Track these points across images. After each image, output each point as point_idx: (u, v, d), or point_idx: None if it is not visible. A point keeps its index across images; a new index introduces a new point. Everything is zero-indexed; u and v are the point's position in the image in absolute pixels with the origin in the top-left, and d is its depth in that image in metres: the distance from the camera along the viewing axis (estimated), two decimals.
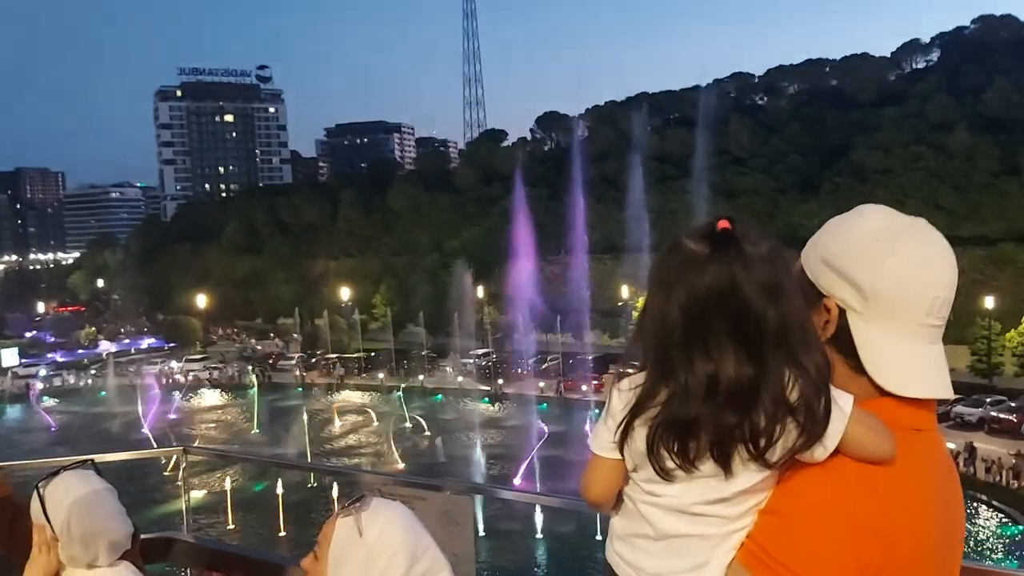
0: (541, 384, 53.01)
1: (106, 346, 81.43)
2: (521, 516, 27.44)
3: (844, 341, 1.30)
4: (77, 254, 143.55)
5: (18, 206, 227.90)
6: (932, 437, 1.33)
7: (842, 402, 1.21)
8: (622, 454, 1.25)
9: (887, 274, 1.26)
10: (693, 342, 1.17)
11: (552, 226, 60.69)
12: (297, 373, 65.13)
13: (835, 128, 68.23)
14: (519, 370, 55.80)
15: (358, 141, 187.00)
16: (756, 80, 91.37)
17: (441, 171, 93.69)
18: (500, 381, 55.53)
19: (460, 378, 58.64)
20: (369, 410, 51.82)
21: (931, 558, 1.27)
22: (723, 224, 1.19)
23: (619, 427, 1.23)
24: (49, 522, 2.20)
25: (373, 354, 66.04)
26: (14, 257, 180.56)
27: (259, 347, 76.67)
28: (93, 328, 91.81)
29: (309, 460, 37.49)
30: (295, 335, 76.39)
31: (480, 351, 61.40)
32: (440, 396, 56.11)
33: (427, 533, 1.70)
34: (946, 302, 1.30)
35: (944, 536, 1.30)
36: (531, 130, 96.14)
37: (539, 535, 27.50)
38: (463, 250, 67.65)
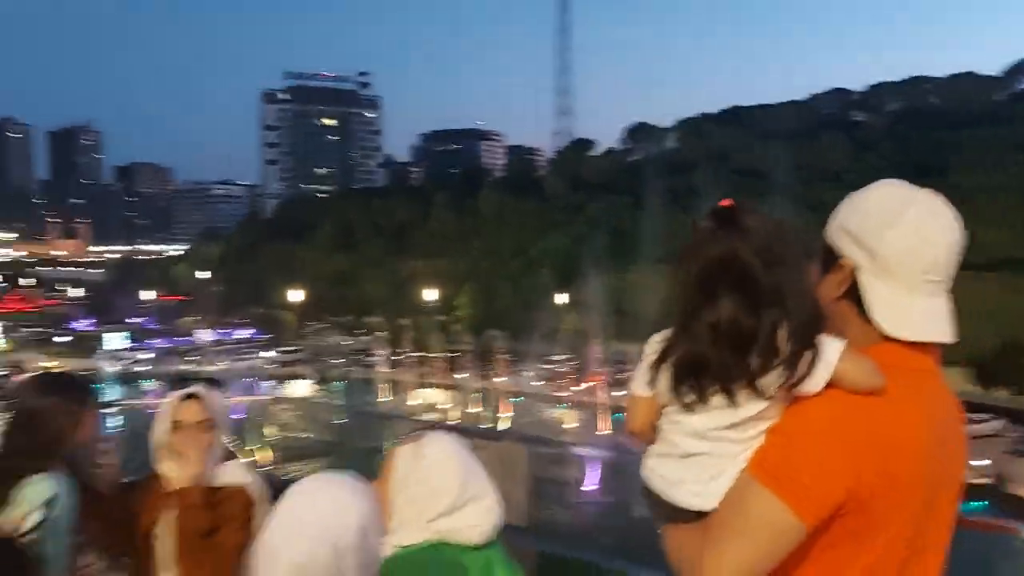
0: (617, 393, 53.44)
1: (205, 335, 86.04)
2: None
3: (855, 295, 1.56)
4: (182, 246, 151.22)
5: (129, 198, 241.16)
6: (934, 378, 1.57)
7: (831, 347, 1.45)
8: (654, 393, 1.56)
9: (890, 236, 1.51)
10: (703, 299, 1.45)
11: (636, 236, 61.15)
12: (382, 369, 67.39)
13: (933, 146, 66.38)
14: (596, 377, 56.41)
15: (450, 147, 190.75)
16: (855, 96, 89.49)
17: (529, 178, 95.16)
18: (578, 387, 56.25)
19: (538, 383, 59.66)
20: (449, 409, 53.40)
21: (927, 480, 1.47)
22: (725, 202, 1.48)
23: (650, 370, 1.55)
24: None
25: (455, 354, 67.73)
26: (125, 247, 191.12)
27: (347, 342, 79.51)
28: (194, 317, 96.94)
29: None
30: (382, 332, 78.92)
31: (559, 357, 62.25)
32: (518, 399, 57.28)
33: (479, 464, 2.03)
34: (945, 263, 1.54)
35: (941, 466, 1.50)
36: (620, 140, 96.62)
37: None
38: (547, 256, 68.75)
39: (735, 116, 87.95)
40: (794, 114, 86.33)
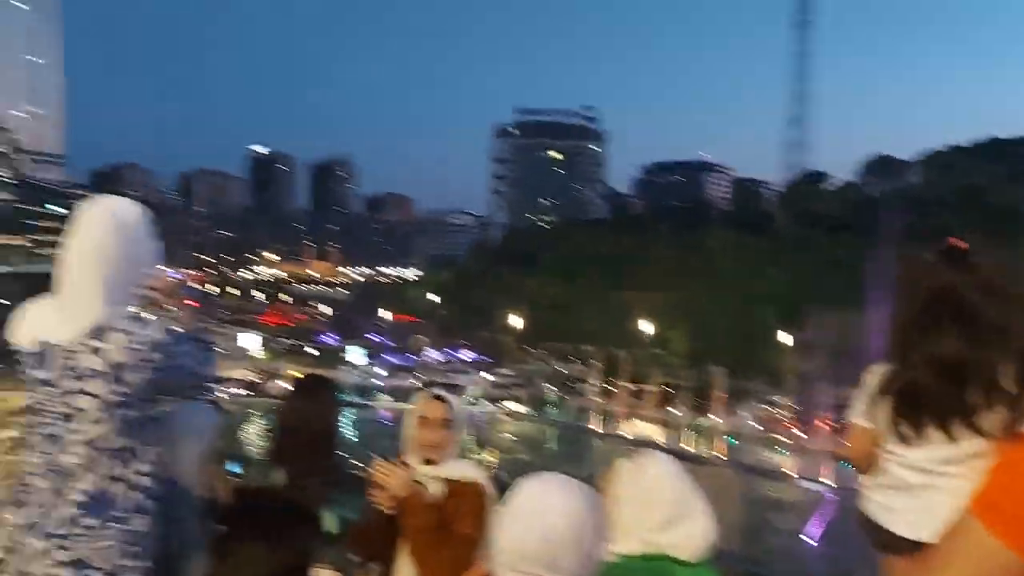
0: (843, 441, 50.15)
1: (432, 354, 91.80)
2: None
3: None
4: (418, 271, 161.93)
5: (376, 226, 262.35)
6: None
7: None
8: (873, 423, 1.61)
9: None
10: (923, 331, 1.46)
11: (871, 275, 57.25)
12: (595, 399, 68.07)
13: None
14: (818, 423, 53.36)
15: (674, 179, 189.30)
16: None
17: (756, 212, 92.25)
18: (796, 432, 53.52)
19: (756, 424, 57.46)
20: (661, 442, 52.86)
21: None
22: (954, 241, 1.51)
23: (869, 400, 1.60)
24: None
25: (670, 388, 66.92)
26: (368, 269, 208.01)
27: (563, 370, 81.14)
28: (424, 337, 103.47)
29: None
30: (596, 362, 79.67)
31: (779, 398, 59.61)
32: (733, 439, 55.47)
33: (694, 485, 2.17)
34: None
35: None
36: (857, 174, 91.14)
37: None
38: (772, 292, 66.23)
39: (992, 149, 79.88)
40: None
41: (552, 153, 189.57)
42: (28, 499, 2.18)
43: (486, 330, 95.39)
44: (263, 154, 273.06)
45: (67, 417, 2.19)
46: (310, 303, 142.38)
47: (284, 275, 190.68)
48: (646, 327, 75.49)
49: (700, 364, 69.95)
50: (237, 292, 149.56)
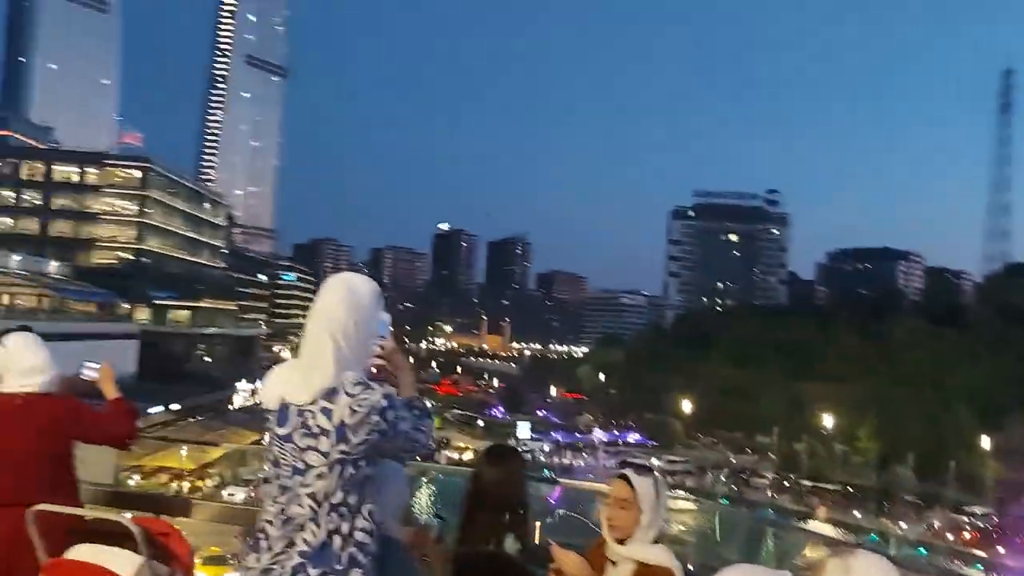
0: None
1: (598, 434, 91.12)
2: None
3: None
4: (587, 349, 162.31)
5: (547, 302, 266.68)
6: None
7: None
8: None
9: None
10: None
11: None
12: (769, 493, 64.69)
13: None
14: (1021, 540, 47.83)
15: (860, 267, 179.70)
16: None
17: (951, 304, 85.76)
18: (999, 547, 48.21)
19: (950, 536, 52.32)
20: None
21: None
22: None
23: None
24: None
25: (851, 489, 62.54)
26: (538, 345, 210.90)
27: (735, 460, 77.91)
28: (590, 416, 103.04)
29: None
30: (771, 454, 75.96)
31: (977, 509, 54.12)
32: (924, 551, 50.71)
33: None
34: None
35: None
36: None
37: None
38: (968, 391, 60.89)
39: None
40: None
41: (730, 236, 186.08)
42: (264, 546, 2.40)
43: (654, 413, 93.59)
44: (446, 231, 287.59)
45: (298, 471, 2.38)
46: (482, 375, 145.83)
47: (458, 347, 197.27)
48: (827, 421, 71.31)
49: (886, 464, 65.02)
50: (414, 362, 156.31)
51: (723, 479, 68.02)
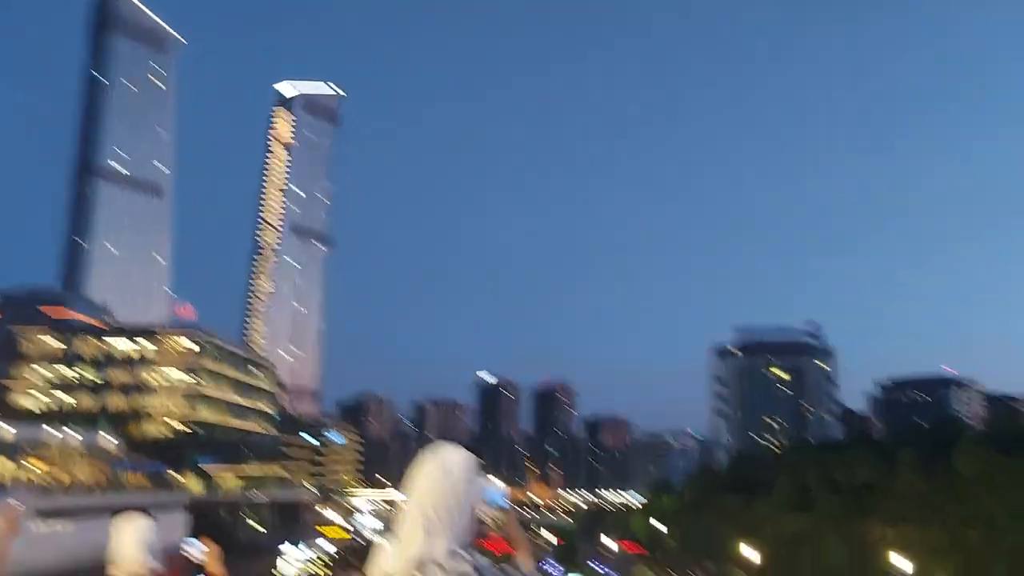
0: None
1: None
2: None
3: None
4: (636, 494, 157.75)
5: (594, 448, 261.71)
6: None
7: None
8: None
9: None
10: None
11: None
12: None
13: None
14: None
15: (915, 397, 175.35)
16: None
17: (1016, 430, 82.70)
18: None
19: None
20: None
21: None
22: None
23: None
24: None
25: None
26: (587, 493, 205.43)
27: None
28: (648, 568, 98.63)
29: None
30: None
31: None
32: None
33: None
34: None
35: None
36: None
37: None
38: None
39: None
40: None
41: (776, 371, 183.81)
42: None
43: (717, 561, 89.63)
44: (489, 382, 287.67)
45: None
46: (532, 529, 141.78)
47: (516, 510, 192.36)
48: (901, 564, 67.63)
49: None
50: None
51: None
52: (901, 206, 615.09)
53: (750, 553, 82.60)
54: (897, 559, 67.97)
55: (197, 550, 4.01)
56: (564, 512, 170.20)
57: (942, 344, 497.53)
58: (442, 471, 2.60)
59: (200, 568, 3.77)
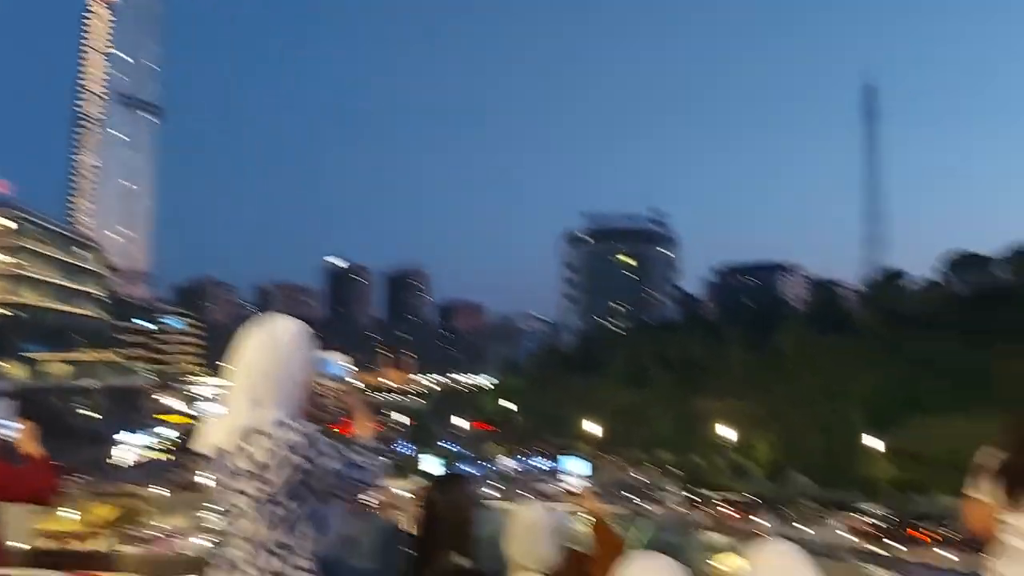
0: (949, 555, 47.01)
1: (507, 463, 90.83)
2: None
3: None
4: (492, 377, 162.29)
5: (446, 332, 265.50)
6: None
7: None
8: (988, 497, 1.91)
9: None
10: None
11: (964, 376, 54.89)
12: (672, 507, 65.80)
13: None
14: (919, 535, 50.22)
15: (747, 281, 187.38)
16: None
17: (834, 313, 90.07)
18: (900, 546, 50.37)
19: (851, 538, 54.38)
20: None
21: None
22: None
23: (984, 476, 1.90)
24: None
25: (752, 498, 64.30)
26: (441, 377, 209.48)
27: (637, 477, 79.09)
28: (498, 445, 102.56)
29: None
30: (673, 469, 77.46)
31: (873, 509, 56.55)
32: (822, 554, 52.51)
33: (813, 569, 2.32)
34: None
35: None
36: (937, 270, 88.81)
37: None
38: (858, 398, 63.80)
39: None
40: None
41: (623, 258, 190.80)
42: None
43: (559, 437, 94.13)
44: (338, 266, 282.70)
45: (229, 514, 2.44)
46: (384, 412, 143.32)
47: (358, 383, 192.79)
48: (726, 434, 73.35)
49: (785, 473, 67.29)
50: (323, 418, 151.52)
51: (631, 496, 68.87)
52: (740, 100, 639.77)
53: (591, 427, 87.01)
54: (723, 430, 73.61)
55: (11, 429, 3.68)
56: (417, 395, 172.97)
57: (774, 232, 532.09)
58: (271, 340, 2.55)
59: (15, 448, 3.54)
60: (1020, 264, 78.52)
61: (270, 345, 2.55)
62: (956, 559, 45.97)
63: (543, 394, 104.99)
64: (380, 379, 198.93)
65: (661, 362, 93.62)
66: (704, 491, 67.24)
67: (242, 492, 2.42)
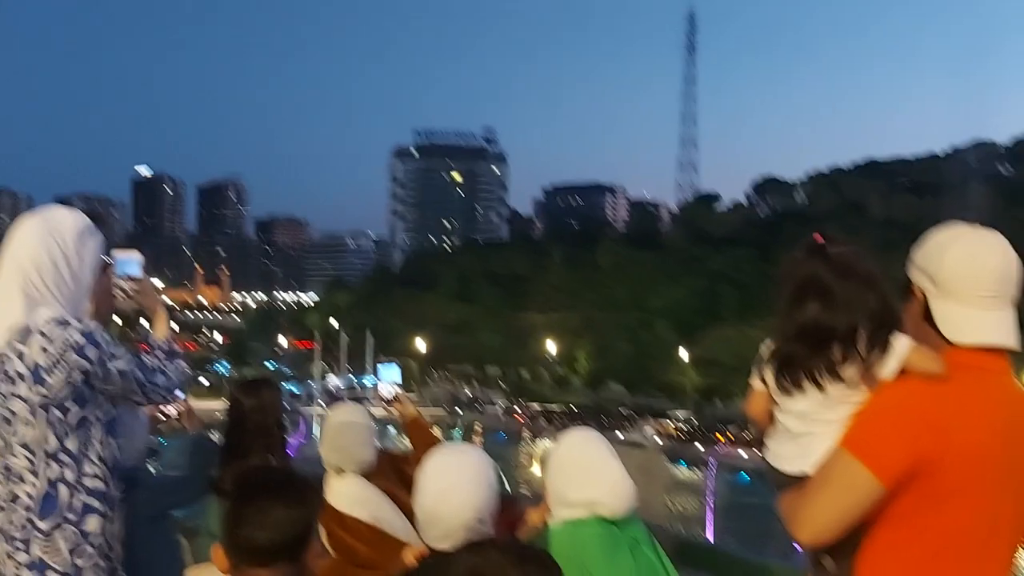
0: (743, 453, 51.43)
1: (334, 381, 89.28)
2: None
3: (928, 314, 1.91)
4: (316, 295, 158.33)
5: (269, 249, 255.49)
6: (1000, 377, 1.90)
7: (900, 342, 1.85)
8: (764, 384, 1.98)
9: (945, 263, 1.88)
10: (796, 308, 1.88)
11: (761, 288, 59.27)
12: (500, 418, 67.67)
13: None
14: (719, 435, 54.54)
15: (573, 201, 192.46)
16: (1001, 150, 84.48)
17: (651, 232, 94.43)
18: (699, 446, 54.50)
19: (658, 440, 58.27)
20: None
21: (998, 461, 1.81)
22: (816, 236, 1.93)
23: (762, 367, 1.98)
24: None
25: (573, 407, 67.18)
26: (262, 295, 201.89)
27: (467, 391, 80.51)
28: (324, 363, 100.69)
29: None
30: (500, 383, 79.42)
31: (680, 413, 60.80)
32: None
33: (612, 452, 2.52)
34: (996, 281, 1.87)
35: (1011, 450, 1.83)
36: (747, 195, 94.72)
37: None
38: (667, 310, 67.58)
39: (870, 169, 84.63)
40: (935, 167, 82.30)
41: (453, 175, 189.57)
42: None
43: (388, 354, 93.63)
44: (147, 176, 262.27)
45: (6, 420, 2.24)
46: (201, 331, 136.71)
47: (170, 302, 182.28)
48: (548, 347, 75.82)
49: (602, 382, 70.76)
50: (118, 321, 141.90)
51: (457, 410, 70.14)
52: (570, 22, 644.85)
53: (419, 342, 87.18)
54: (546, 344, 76.12)
55: None
56: (236, 313, 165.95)
57: (600, 154, 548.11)
58: (46, 232, 2.33)
59: None
60: (816, 188, 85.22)
61: (47, 236, 2.31)
62: (746, 456, 50.51)
63: (371, 311, 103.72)
64: (195, 297, 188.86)
65: (489, 278, 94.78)
66: (527, 402, 69.46)
67: (19, 397, 2.21)
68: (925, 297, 1.91)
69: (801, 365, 1.84)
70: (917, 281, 1.94)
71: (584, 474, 2.45)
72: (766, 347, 1.97)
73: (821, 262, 1.85)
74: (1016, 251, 1.90)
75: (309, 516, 1.95)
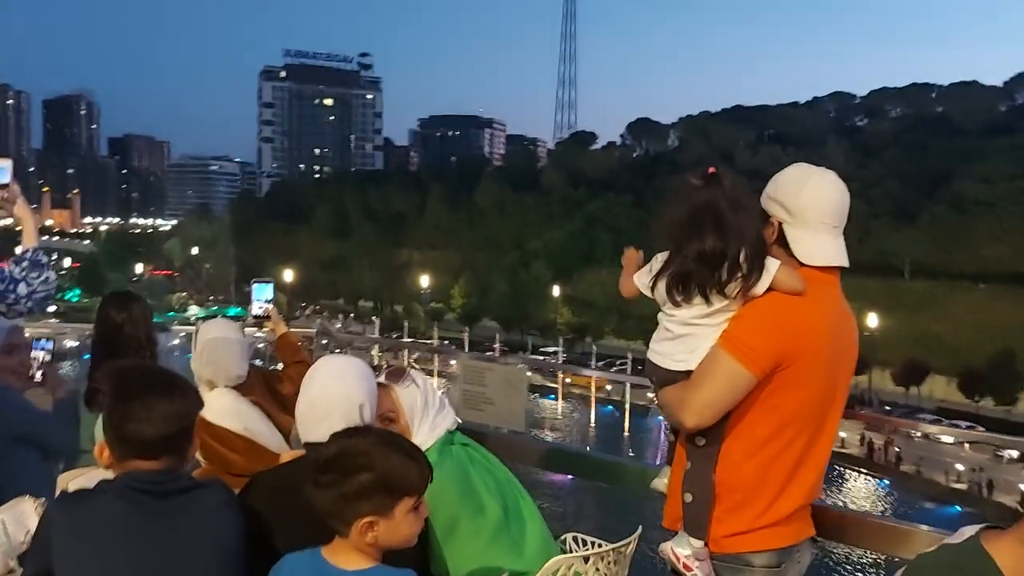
0: (609, 388, 53.33)
1: (195, 312, 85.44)
2: None
3: (783, 241, 2.33)
4: (175, 222, 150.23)
5: (124, 171, 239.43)
6: (834, 288, 2.36)
7: (771, 263, 2.23)
8: (653, 294, 2.31)
9: (801, 197, 2.30)
10: (691, 232, 2.18)
11: (635, 232, 60.88)
12: (373, 354, 67.12)
13: (937, 155, 66.16)
14: (588, 372, 56.24)
15: (450, 134, 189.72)
16: (857, 101, 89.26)
17: (529, 170, 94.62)
18: (567, 380, 56.03)
19: (529, 374, 59.51)
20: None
21: (828, 355, 2.29)
22: (711, 169, 2.23)
23: (652, 279, 2.30)
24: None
25: (447, 343, 67.40)
26: (117, 220, 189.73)
27: (339, 327, 79.15)
28: (185, 293, 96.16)
29: None
30: (374, 318, 78.54)
31: (551, 349, 62.20)
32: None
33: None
34: (838, 213, 2.32)
35: (838, 346, 2.33)
36: (621, 136, 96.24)
37: None
38: (543, 250, 68.43)
39: (737, 116, 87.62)
40: (796, 116, 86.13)
41: (325, 101, 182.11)
42: None
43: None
44: None
45: None
46: (50, 257, 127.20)
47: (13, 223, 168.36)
48: (424, 284, 75.38)
49: (477, 319, 71.26)
50: None
51: (328, 345, 68.98)
52: None
53: (288, 276, 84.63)
54: (422, 280, 75.61)
55: None
56: (88, 238, 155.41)
57: (478, 88, 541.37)
58: None
59: None
60: (687, 130, 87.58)
61: None
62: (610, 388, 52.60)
63: (238, 241, 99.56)
64: (43, 220, 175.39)
65: (365, 213, 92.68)
66: (401, 339, 69.09)
67: None
68: (780, 225, 2.32)
69: (696, 282, 2.18)
70: (772, 212, 2.34)
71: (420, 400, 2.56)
72: (657, 261, 2.28)
73: (718, 191, 2.17)
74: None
75: (191, 411, 2.00)
